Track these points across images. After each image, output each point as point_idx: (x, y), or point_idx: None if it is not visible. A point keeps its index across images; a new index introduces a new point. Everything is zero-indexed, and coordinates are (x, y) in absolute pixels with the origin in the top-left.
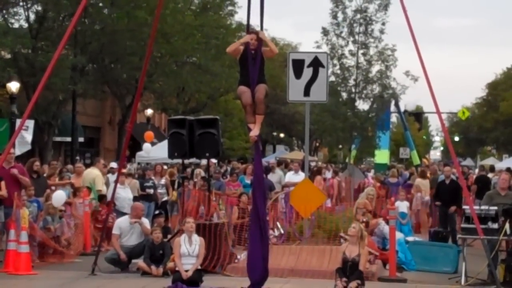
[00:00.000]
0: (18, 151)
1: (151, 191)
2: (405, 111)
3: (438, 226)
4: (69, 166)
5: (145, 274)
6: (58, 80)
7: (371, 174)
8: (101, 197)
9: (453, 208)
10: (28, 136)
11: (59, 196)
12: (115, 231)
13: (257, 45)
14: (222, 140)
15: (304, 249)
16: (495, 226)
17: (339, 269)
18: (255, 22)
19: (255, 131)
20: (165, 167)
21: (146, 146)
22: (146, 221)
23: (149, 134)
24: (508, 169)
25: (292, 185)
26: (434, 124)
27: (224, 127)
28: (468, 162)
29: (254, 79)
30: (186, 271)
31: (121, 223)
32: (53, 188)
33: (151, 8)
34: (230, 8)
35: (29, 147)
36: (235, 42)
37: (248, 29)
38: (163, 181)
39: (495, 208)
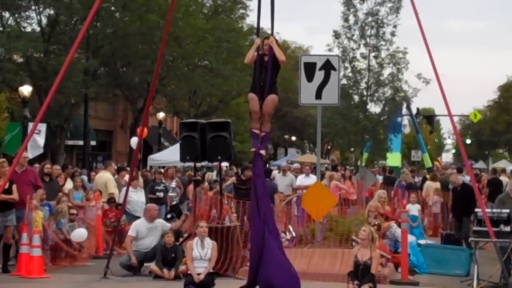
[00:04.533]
0: (31, 154)
1: (161, 194)
2: (417, 113)
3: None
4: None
5: (157, 277)
6: (70, 84)
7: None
8: (111, 200)
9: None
10: (40, 139)
11: (79, 234)
12: (131, 232)
13: (268, 50)
14: (234, 144)
15: (316, 252)
16: (507, 229)
17: (351, 272)
18: (266, 25)
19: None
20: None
21: (134, 139)
22: (165, 223)
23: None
24: None
25: (304, 188)
26: (446, 126)
27: (235, 130)
28: (480, 164)
29: (265, 86)
30: (198, 274)
31: (138, 226)
32: (65, 191)
33: (163, 11)
34: (241, 11)
35: (41, 151)
36: (250, 50)
37: (258, 32)
38: (173, 184)
39: (507, 211)
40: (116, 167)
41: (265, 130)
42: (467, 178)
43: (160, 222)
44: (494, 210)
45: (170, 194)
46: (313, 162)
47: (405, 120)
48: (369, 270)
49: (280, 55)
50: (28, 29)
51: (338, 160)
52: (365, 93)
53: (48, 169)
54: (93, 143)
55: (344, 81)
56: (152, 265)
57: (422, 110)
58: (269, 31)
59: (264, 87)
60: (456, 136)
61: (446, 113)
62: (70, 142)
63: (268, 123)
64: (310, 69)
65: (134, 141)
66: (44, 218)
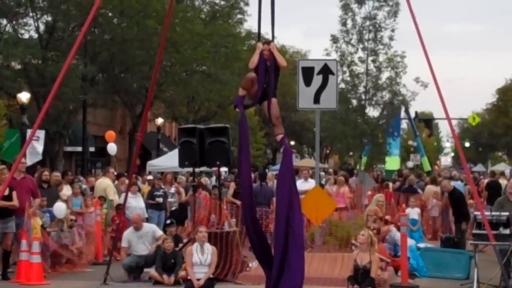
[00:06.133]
0: (29, 161)
1: (161, 200)
2: (415, 117)
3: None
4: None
5: (157, 283)
6: (68, 90)
7: None
8: (118, 207)
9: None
10: (39, 146)
11: (60, 208)
12: (123, 243)
13: (269, 55)
14: (233, 149)
15: (316, 257)
16: (507, 231)
17: (350, 276)
18: (264, 30)
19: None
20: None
21: (111, 145)
22: (155, 228)
23: (110, 133)
24: None
25: (302, 193)
26: (444, 130)
27: (234, 135)
28: (479, 167)
29: (269, 89)
30: (198, 280)
31: (128, 235)
32: (63, 197)
33: (161, 17)
34: (239, 16)
35: (40, 158)
36: (254, 55)
37: (260, 37)
38: (173, 189)
39: (507, 213)
40: (115, 173)
41: (281, 132)
42: (458, 183)
43: (149, 227)
44: (493, 213)
45: (169, 199)
46: (312, 167)
47: (404, 124)
48: (368, 274)
49: (281, 61)
50: (26, 36)
51: (336, 164)
52: (363, 97)
53: (46, 176)
54: (91, 149)
55: (342, 85)
56: (152, 271)
57: (420, 113)
58: (268, 36)
59: (267, 90)
60: (455, 139)
61: (444, 116)
62: (69, 149)
63: (281, 125)
64: (308, 73)
65: (110, 147)
66: (46, 224)
